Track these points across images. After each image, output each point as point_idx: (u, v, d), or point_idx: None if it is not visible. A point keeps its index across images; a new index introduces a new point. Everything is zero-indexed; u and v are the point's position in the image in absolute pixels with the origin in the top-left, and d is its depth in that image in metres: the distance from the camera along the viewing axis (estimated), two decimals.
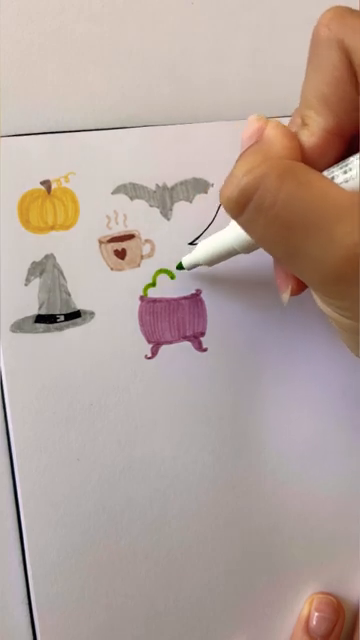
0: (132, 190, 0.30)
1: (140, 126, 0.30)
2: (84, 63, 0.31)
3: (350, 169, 0.21)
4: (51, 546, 0.29)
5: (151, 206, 0.30)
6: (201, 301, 0.31)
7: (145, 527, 0.30)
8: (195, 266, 0.29)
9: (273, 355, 0.31)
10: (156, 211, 0.30)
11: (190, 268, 0.29)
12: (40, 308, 0.29)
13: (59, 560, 0.29)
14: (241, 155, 0.22)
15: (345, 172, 0.21)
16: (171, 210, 0.30)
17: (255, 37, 0.32)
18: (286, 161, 0.21)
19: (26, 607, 0.29)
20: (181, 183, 0.30)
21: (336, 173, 0.21)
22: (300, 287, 0.26)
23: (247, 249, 0.26)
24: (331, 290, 0.21)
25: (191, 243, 0.30)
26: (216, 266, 0.29)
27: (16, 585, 0.29)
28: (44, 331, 0.29)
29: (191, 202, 0.31)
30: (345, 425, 0.32)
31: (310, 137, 0.22)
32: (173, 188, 0.30)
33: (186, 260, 0.29)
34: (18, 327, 0.29)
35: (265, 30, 0.32)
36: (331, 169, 0.22)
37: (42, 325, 0.29)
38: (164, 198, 0.30)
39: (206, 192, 0.31)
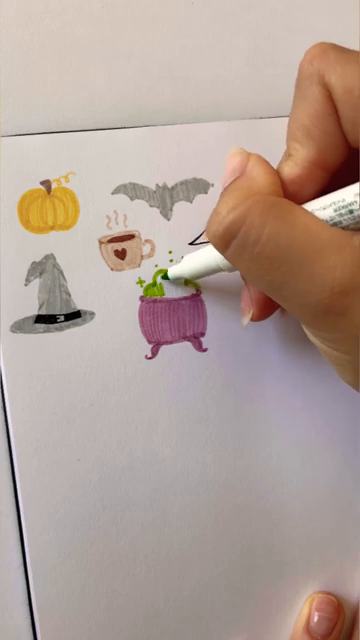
0: (132, 190, 0.30)
1: (140, 126, 0.30)
2: (84, 63, 0.31)
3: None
4: (51, 546, 0.29)
5: (151, 206, 0.30)
6: (201, 301, 0.31)
7: (145, 527, 0.30)
8: (179, 278, 0.29)
9: (273, 355, 0.31)
10: (156, 211, 0.30)
11: (174, 279, 0.30)
12: (40, 308, 0.29)
13: (59, 560, 0.29)
14: (225, 190, 0.23)
15: (324, 209, 0.21)
16: (171, 210, 0.30)
17: (255, 37, 0.32)
18: (270, 197, 0.22)
19: (27, 607, 0.29)
20: (181, 183, 0.30)
21: (315, 207, 0.22)
22: (262, 315, 0.27)
23: (231, 268, 0.26)
24: (318, 323, 0.22)
25: (191, 243, 0.30)
26: None
27: (16, 585, 0.29)
28: (44, 331, 0.29)
29: (191, 202, 0.31)
30: (345, 425, 0.32)
31: (293, 167, 0.23)
32: (173, 188, 0.30)
33: (171, 271, 0.30)
34: (18, 327, 0.29)
35: (265, 30, 0.32)
36: (310, 204, 0.22)
37: (42, 325, 0.29)
38: (164, 198, 0.30)
39: (206, 192, 0.31)
